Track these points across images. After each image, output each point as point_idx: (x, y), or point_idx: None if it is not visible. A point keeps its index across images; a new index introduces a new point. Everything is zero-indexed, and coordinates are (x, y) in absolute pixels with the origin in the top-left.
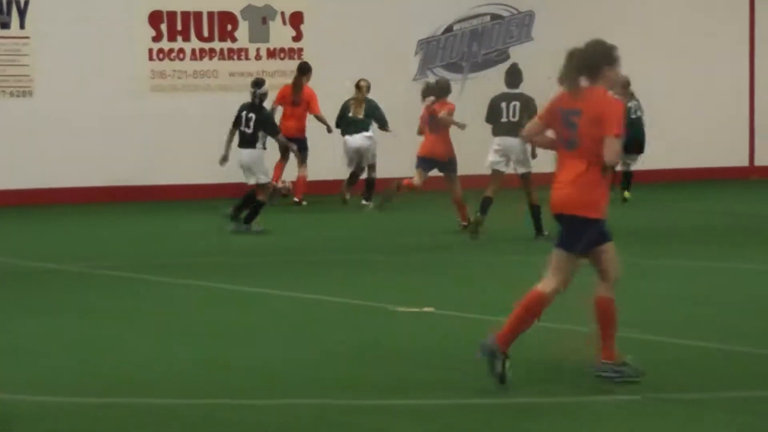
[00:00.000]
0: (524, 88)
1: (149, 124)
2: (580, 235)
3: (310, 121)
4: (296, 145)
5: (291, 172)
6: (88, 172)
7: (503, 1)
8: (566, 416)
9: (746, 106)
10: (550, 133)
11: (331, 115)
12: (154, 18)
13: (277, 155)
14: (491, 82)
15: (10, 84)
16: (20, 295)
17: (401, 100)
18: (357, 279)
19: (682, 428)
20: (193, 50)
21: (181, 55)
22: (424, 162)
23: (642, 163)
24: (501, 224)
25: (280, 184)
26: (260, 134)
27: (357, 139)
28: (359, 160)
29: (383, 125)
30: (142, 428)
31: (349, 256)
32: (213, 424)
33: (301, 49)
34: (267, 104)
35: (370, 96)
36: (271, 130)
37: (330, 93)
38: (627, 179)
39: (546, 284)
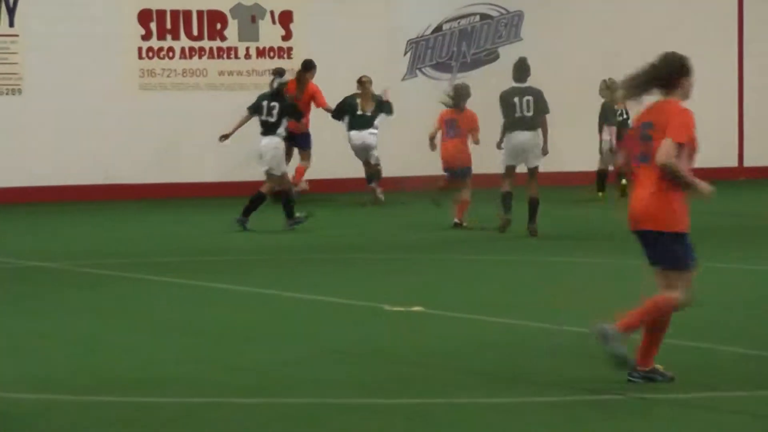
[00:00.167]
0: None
1: (139, 122)
2: (675, 250)
3: (317, 120)
4: (301, 140)
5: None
6: (78, 171)
7: (492, 1)
8: (555, 415)
9: (735, 107)
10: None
11: (322, 114)
12: (144, 16)
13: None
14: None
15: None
16: (14, 293)
17: (391, 99)
18: (350, 278)
19: (667, 428)
20: (183, 49)
21: (171, 54)
22: (453, 172)
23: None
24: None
25: (299, 187)
26: (284, 122)
27: (363, 136)
28: (366, 155)
29: (390, 112)
30: (140, 427)
31: (343, 255)
32: (207, 423)
33: (290, 48)
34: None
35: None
36: (297, 115)
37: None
38: (621, 178)
39: (672, 293)
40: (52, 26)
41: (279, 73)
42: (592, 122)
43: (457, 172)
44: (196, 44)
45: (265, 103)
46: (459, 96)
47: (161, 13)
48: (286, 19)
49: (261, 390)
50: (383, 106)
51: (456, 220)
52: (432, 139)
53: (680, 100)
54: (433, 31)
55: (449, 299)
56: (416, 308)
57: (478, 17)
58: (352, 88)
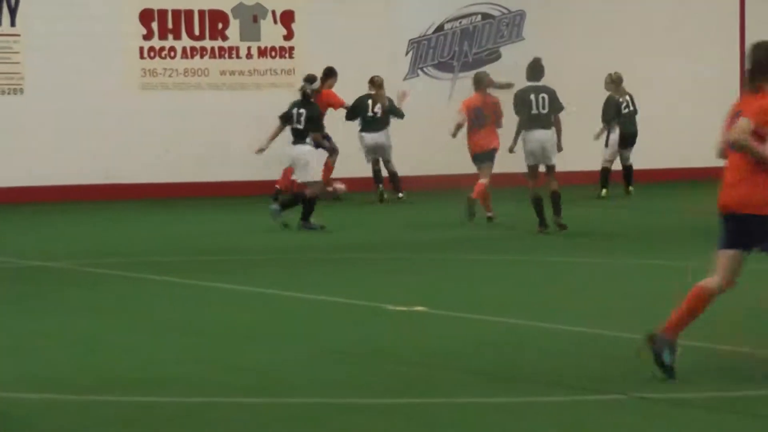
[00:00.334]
0: (516, 87)
1: (140, 122)
2: (763, 232)
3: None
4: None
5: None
6: (79, 170)
7: (494, 1)
8: (555, 415)
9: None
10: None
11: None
12: (145, 16)
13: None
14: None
15: (1, 81)
16: (15, 293)
17: (405, 101)
18: (352, 278)
19: (668, 428)
20: (184, 48)
21: (172, 54)
22: (482, 157)
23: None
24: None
25: (330, 188)
26: (311, 129)
27: (376, 136)
28: (380, 155)
29: (401, 116)
30: (140, 426)
31: (345, 255)
32: (207, 423)
33: (292, 48)
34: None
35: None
36: (314, 126)
37: None
38: (628, 174)
39: (710, 281)
40: (54, 26)
41: (309, 80)
42: (594, 121)
43: (483, 155)
44: (198, 44)
45: (295, 110)
46: (478, 82)
47: (163, 13)
48: (287, 18)
49: (261, 390)
50: (395, 110)
51: (489, 214)
52: (459, 128)
53: None
54: (435, 31)
55: (451, 299)
56: (418, 308)
57: (479, 17)
58: (354, 88)
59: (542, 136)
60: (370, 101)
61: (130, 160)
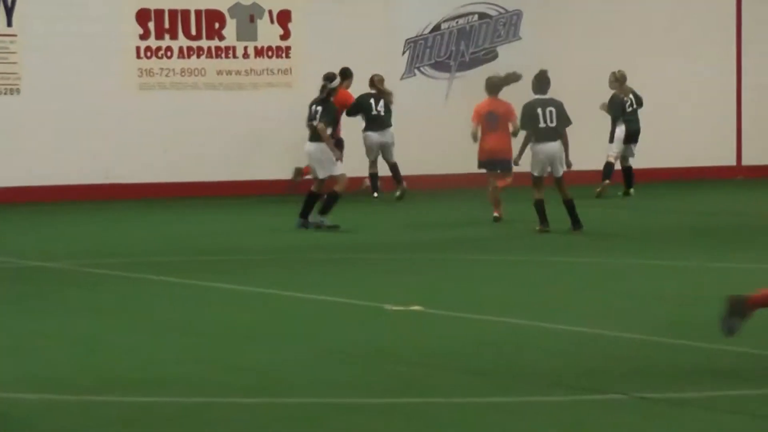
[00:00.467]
0: (513, 88)
1: (138, 121)
2: None
3: None
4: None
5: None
6: (78, 170)
7: (491, 0)
8: (555, 415)
9: (733, 106)
10: None
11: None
12: (142, 16)
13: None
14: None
15: None
16: (15, 293)
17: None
18: (351, 278)
19: (667, 428)
20: (181, 48)
21: (169, 53)
22: (490, 165)
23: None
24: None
25: (367, 182)
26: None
27: (380, 135)
28: (384, 154)
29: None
30: (140, 426)
31: (344, 255)
32: (207, 423)
33: (288, 48)
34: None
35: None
36: (330, 121)
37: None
38: (628, 175)
39: None
40: (51, 26)
41: (329, 78)
42: (592, 121)
43: (497, 163)
44: (195, 44)
45: (312, 107)
46: (490, 87)
47: (159, 13)
48: (284, 18)
49: (261, 390)
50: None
51: (495, 214)
52: (475, 135)
53: None
54: (432, 31)
55: (450, 299)
56: (416, 308)
57: (476, 16)
58: (352, 87)
59: (550, 149)
60: (372, 100)
61: (128, 160)
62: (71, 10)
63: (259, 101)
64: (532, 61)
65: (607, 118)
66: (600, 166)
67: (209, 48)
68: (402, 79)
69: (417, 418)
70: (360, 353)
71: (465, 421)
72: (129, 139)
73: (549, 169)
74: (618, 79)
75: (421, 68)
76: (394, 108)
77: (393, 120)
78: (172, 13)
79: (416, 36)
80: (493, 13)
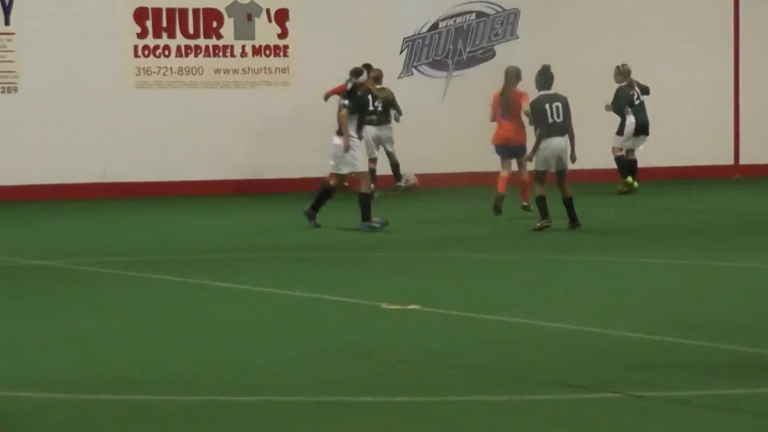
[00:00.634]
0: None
1: (135, 120)
2: None
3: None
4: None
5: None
6: (73, 169)
7: None
8: (549, 413)
9: (731, 104)
10: None
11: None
12: (140, 14)
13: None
14: (473, 79)
15: None
16: (12, 292)
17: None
18: (347, 276)
19: (665, 426)
20: (179, 47)
21: (167, 52)
22: (503, 150)
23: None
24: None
25: (403, 183)
26: (353, 121)
27: (378, 129)
28: (383, 145)
29: (399, 112)
30: (138, 425)
31: (340, 254)
32: (205, 421)
33: (286, 46)
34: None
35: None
36: (361, 115)
37: (314, 89)
38: (632, 168)
39: None
40: (48, 24)
41: (355, 73)
42: (590, 119)
43: (512, 150)
44: (192, 42)
45: (340, 102)
46: (508, 78)
47: (157, 11)
48: (282, 17)
49: (259, 388)
50: (395, 105)
51: (524, 203)
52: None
53: None
54: (429, 29)
55: (447, 297)
56: (413, 306)
57: (474, 15)
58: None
59: (559, 143)
60: (370, 96)
61: (125, 158)
62: (69, 9)
63: (257, 100)
64: (529, 59)
65: (607, 116)
66: (600, 164)
67: (207, 47)
68: (399, 78)
69: (414, 416)
70: (357, 352)
71: (462, 420)
72: (126, 137)
73: (552, 165)
74: (622, 73)
75: (419, 67)
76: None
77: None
78: (170, 12)
79: (414, 35)
80: (490, 11)
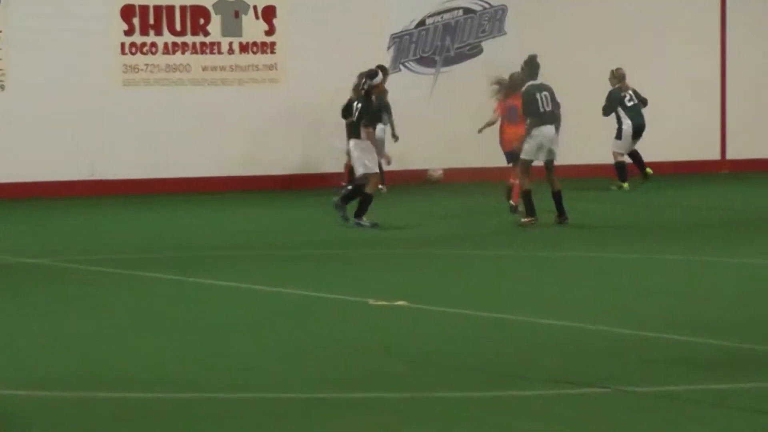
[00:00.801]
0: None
1: (123, 118)
2: None
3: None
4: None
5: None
6: (61, 166)
7: None
8: (540, 409)
9: (718, 100)
10: None
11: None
12: (127, 12)
13: None
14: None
15: None
16: (3, 290)
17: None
18: (334, 273)
19: (653, 421)
20: (166, 44)
21: (154, 49)
22: (514, 156)
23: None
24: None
25: (434, 174)
26: (364, 122)
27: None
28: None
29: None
30: (131, 423)
31: (330, 251)
32: (198, 419)
33: (273, 43)
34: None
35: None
36: (367, 119)
37: (302, 87)
38: (639, 161)
39: None
40: (36, 22)
41: (370, 75)
42: (575, 115)
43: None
44: (179, 39)
45: (354, 104)
46: (514, 83)
47: (144, 9)
48: (269, 14)
49: (248, 385)
50: (388, 110)
51: (511, 203)
52: (489, 125)
53: None
54: (417, 26)
55: (433, 294)
56: (400, 303)
57: (461, 11)
58: (336, 83)
59: (550, 131)
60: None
61: (113, 156)
62: (56, 7)
63: (245, 97)
64: (517, 56)
65: (593, 112)
66: (586, 160)
67: (194, 44)
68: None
69: (402, 412)
70: (348, 349)
71: (450, 415)
72: (114, 135)
73: (542, 155)
74: (616, 77)
75: (406, 64)
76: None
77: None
78: (157, 9)
79: (401, 31)
80: (477, 8)
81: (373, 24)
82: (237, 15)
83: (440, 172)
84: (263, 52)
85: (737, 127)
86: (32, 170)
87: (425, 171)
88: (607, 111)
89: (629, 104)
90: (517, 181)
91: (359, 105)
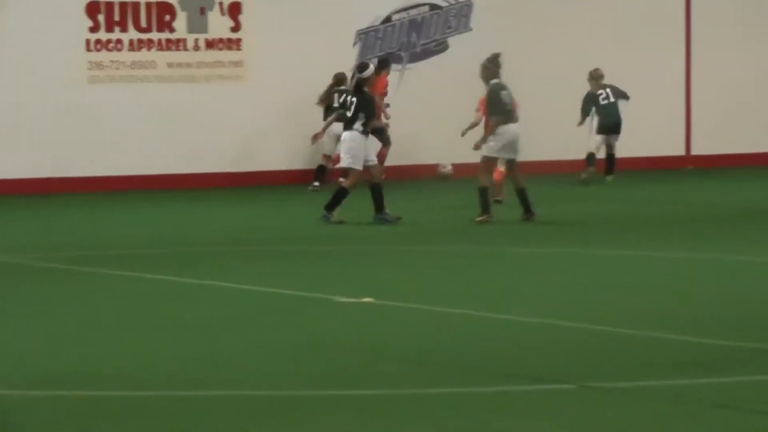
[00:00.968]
0: (463, 78)
1: (88, 115)
2: None
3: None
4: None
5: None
6: (26, 163)
7: None
8: (504, 405)
9: (683, 96)
10: None
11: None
12: (92, 8)
13: None
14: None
15: None
16: None
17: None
18: (301, 270)
19: (615, 416)
20: (131, 41)
21: (119, 46)
22: None
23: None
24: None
25: (441, 169)
26: (360, 116)
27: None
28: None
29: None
30: (83, 420)
31: (294, 247)
32: (155, 417)
33: (239, 40)
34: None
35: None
36: (369, 113)
37: (268, 84)
38: (609, 162)
39: None
40: (0, 19)
41: (360, 68)
42: (541, 111)
43: None
44: (145, 36)
45: (348, 97)
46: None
47: (109, 6)
48: (235, 10)
49: (211, 383)
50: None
51: (497, 198)
52: (473, 127)
53: None
54: (383, 22)
55: (400, 290)
56: (367, 299)
57: (427, 8)
58: (302, 79)
59: (516, 129)
60: (336, 94)
61: (78, 153)
62: (20, 3)
63: (211, 93)
64: (483, 52)
65: (558, 108)
66: (553, 157)
67: (159, 40)
68: (352, 70)
69: (366, 409)
70: (312, 345)
71: (414, 413)
72: (79, 132)
73: (508, 152)
74: (594, 78)
75: (373, 60)
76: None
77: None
78: (122, 6)
79: (367, 27)
80: (443, 4)
81: (339, 20)
82: (203, 12)
83: (450, 167)
84: (229, 48)
85: (702, 122)
86: None
87: (392, 167)
88: (582, 113)
89: (603, 102)
90: (494, 177)
91: (353, 99)
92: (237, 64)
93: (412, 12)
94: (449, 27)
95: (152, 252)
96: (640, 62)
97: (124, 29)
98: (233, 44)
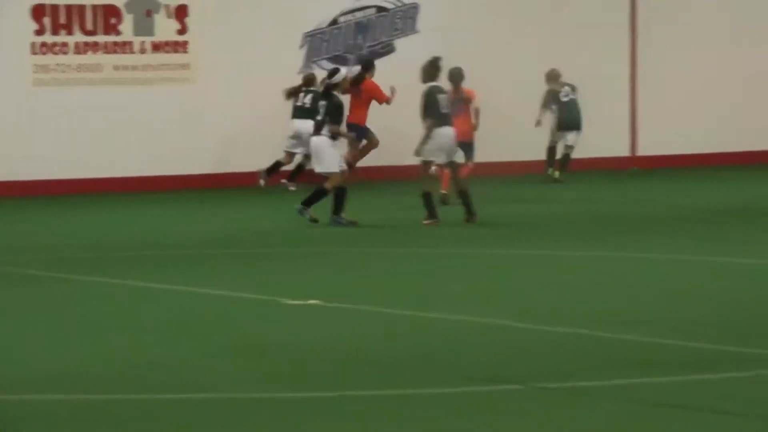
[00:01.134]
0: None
1: (34, 118)
2: None
3: None
4: (354, 132)
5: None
6: None
7: None
8: (451, 406)
9: (627, 96)
10: None
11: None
12: (37, 11)
13: None
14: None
15: None
16: None
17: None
18: (249, 273)
19: (565, 416)
20: (77, 44)
21: (65, 49)
22: (460, 146)
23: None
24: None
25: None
26: (327, 120)
27: (302, 124)
28: (301, 146)
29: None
30: (44, 424)
31: (243, 250)
32: (113, 419)
33: (185, 42)
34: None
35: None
36: (332, 118)
37: (215, 86)
38: (564, 161)
39: None
40: None
41: (331, 74)
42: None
43: (469, 145)
44: (91, 39)
45: (319, 102)
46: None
47: (55, 8)
48: (181, 13)
49: (159, 386)
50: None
51: (443, 191)
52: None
53: None
54: (329, 24)
55: (349, 292)
56: (314, 302)
57: (374, 10)
58: (249, 81)
59: (451, 133)
60: (301, 93)
61: (23, 157)
62: None
63: (157, 96)
64: (429, 54)
65: (506, 109)
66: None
67: (106, 43)
68: (299, 73)
69: (310, 411)
70: (255, 348)
71: (357, 414)
72: (25, 135)
73: (445, 156)
74: (552, 78)
75: (319, 62)
76: (288, 102)
77: (289, 112)
78: (68, 9)
79: (314, 30)
80: (390, 6)
81: (286, 23)
82: (149, 14)
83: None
84: (176, 51)
85: (648, 122)
86: None
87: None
88: (541, 107)
89: (564, 99)
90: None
91: (323, 103)
92: (184, 66)
93: (359, 14)
94: (396, 29)
95: (107, 255)
96: (584, 61)
97: (69, 32)
98: (180, 47)
